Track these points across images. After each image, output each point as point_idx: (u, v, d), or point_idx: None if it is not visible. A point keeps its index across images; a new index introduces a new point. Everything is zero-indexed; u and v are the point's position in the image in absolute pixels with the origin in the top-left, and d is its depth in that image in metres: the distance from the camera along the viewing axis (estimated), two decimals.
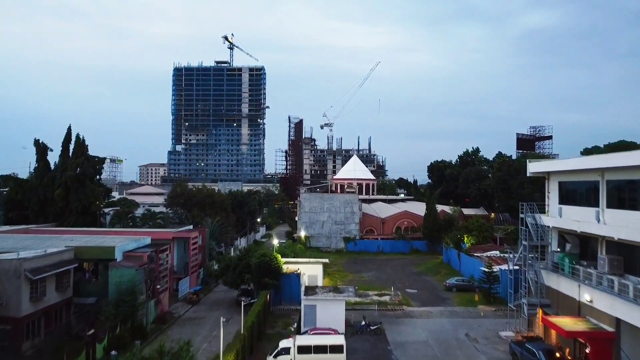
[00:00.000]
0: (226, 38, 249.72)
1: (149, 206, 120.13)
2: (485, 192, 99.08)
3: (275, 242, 63.99)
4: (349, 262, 67.81)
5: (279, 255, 43.44)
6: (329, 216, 76.32)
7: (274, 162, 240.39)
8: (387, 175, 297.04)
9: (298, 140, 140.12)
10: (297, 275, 43.46)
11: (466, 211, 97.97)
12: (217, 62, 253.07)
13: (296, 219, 79.09)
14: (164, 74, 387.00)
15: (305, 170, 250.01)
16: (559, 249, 32.97)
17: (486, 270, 43.99)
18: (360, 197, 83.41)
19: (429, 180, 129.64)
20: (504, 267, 48.88)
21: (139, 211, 72.31)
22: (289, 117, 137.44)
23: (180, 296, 46.15)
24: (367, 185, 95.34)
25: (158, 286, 38.93)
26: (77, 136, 57.12)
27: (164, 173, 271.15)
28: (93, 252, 36.19)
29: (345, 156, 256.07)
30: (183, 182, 70.55)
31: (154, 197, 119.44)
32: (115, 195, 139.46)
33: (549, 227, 33.42)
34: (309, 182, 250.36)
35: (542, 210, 35.69)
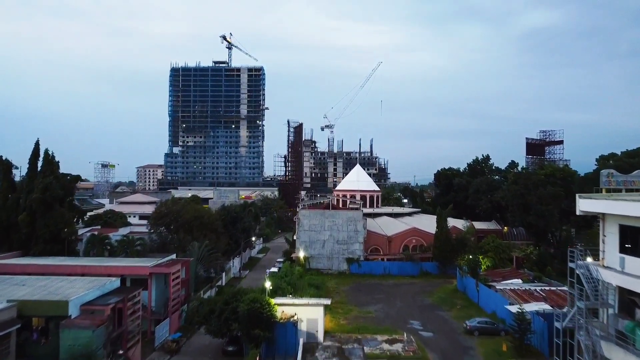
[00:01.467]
0: (224, 38, 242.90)
1: (140, 216, 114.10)
2: (498, 204, 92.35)
3: (269, 271, 57.45)
4: (352, 289, 61.13)
5: (272, 300, 36.73)
6: (330, 235, 69.61)
7: (273, 166, 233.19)
8: (389, 178, 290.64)
9: (298, 145, 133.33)
10: (293, 325, 36.78)
11: (477, 225, 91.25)
12: (215, 62, 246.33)
13: (294, 237, 72.38)
14: (163, 73, 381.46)
15: (306, 173, 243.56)
16: (622, 315, 26.15)
17: (517, 317, 37.22)
18: (364, 210, 76.78)
19: (434, 186, 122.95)
20: (535, 306, 42.18)
21: (123, 231, 65.67)
22: (288, 121, 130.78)
23: (157, 344, 39.52)
24: (372, 197, 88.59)
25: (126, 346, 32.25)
26: (46, 152, 50.45)
27: (162, 175, 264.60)
28: (41, 308, 29.47)
29: (347, 159, 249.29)
30: (169, 200, 63.74)
31: (146, 206, 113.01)
32: (105, 202, 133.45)
33: (608, 283, 26.65)
34: (309, 185, 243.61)
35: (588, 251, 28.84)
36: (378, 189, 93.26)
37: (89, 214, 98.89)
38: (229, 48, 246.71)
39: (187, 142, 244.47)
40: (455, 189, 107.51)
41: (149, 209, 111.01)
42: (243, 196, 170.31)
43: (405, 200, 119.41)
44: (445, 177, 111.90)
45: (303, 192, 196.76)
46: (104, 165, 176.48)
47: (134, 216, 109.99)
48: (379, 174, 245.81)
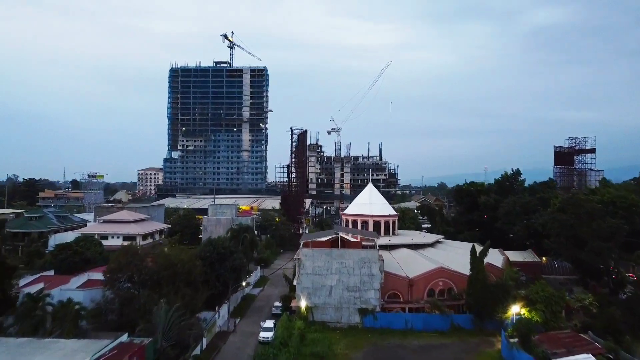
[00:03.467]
0: (226, 36, 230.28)
1: (124, 238, 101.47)
2: (535, 230, 78.54)
3: (262, 332, 44.27)
4: (366, 356, 47.86)
5: None
6: (339, 280, 56.35)
7: (275, 173, 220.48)
8: (399, 184, 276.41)
9: (301, 155, 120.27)
10: None
11: (510, 255, 77.49)
12: (217, 63, 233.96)
13: (294, 282, 59.11)
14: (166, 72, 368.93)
15: (311, 179, 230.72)
16: None
17: None
18: (379, 241, 63.45)
19: (454, 202, 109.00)
20: None
21: (78, 280, 52.87)
22: (291, 128, 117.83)
23: None
24: (387, 223, 75.11)
25: None
26: None
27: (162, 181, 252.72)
28: None
29: (355, 164, 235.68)
30: (131, 247, 50.57)
31: (131, 225, 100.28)
32: (90, 218, 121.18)
33: None
34: (314, 191, 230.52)
35: None
36: (394, 212, 79.71)
37: (61, 238, 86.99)
38: (231, 47, 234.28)
39: (187, 146, 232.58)
40: (480, 208, 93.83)
41: (134, 229, 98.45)
42: (242, 208, 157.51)
43: (422, 219, 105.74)
44: (468, 193, 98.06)
45: (308, 201, 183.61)
46: (91, 176, 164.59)
47: (118, 237, 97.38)
48: (389, 180, 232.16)
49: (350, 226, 74.20)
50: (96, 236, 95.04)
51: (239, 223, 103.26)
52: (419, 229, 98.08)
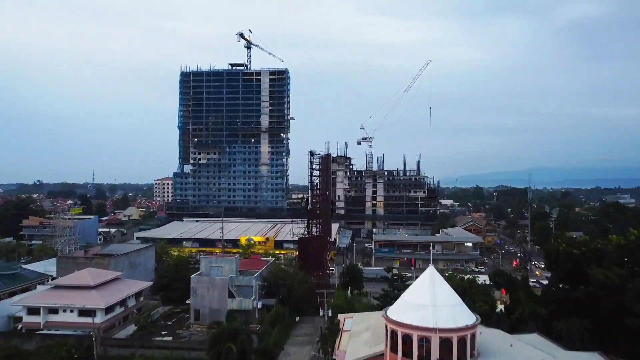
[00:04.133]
0: (242, 35, 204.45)
1: (79, 313, 75.48)
2: None
3: None
4: None
5: None
6: None
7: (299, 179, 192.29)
8: (440, 201, 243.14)
9: (325, 188, 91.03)
10: None
11: None
12: (232, 65, 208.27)
13: None
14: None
15: (339, 196, 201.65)
16: None
17: None
18: None
19: (547, 265, 77.13)
20: None
21: None
22: (311, 153, 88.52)
23: None
24: (461, 341, 44.76)
25: None
26: None
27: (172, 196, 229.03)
28: None
29: (389, 178, 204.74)
30: None
31: (91, 293, 73.06)
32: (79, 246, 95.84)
33: None
34: (342, 211, 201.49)
35: None
36: (473, 317, 48.51)
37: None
38: (248, 47, 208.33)
39: (199, 159, 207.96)
40: (586, 282, 62.21)
41: (94, 300, 71.57)
42: (255, 241, 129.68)
43: (496, 291, 74.64)
44: (570, 259, 66.16)
45: (335, 226, 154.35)
46: (64, 211, 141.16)
47: (72, 311, 71.06)
48: (428, 198, 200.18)
49: (400, 343, 44.02)
50: (42, 309, 69.69)
51: (237, 284, 76.08)
52: (493, 308, 67.14)
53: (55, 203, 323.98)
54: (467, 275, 77.29)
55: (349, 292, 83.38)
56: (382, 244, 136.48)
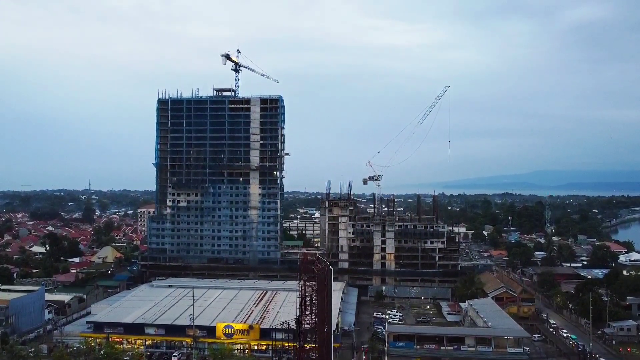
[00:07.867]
0: (228, 57, 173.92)
1: None
2: None
3: None
4: None
5: None
6: None
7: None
8: (462, 254, 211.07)
9: (323, 289, 59.19)
10: None
11: None
12: (217, 91, 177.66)
13: None
14: (203, 77, 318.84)
15: (342, 247, 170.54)
16: None
17: None
18: None
19: None
20: None
21: None
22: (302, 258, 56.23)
23: None
24: None
25: None
26: None
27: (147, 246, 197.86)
28: None
29: (401, 227, 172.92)
30: None
31: None
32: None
33: None
34: (346, 264, 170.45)
35: None
36: None
37: None
38: (236, 71, 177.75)
39: (179, 201, 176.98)
40: None
41: None
42: (235, 329, 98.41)
43: None
44: None
45: (338, 286, 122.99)
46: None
47: None
48: (448, 250, 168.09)
49: None
50: None
51: None
52: None
53: (30, 233, 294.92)
54: None
55: None
56: (398, 337, 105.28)
